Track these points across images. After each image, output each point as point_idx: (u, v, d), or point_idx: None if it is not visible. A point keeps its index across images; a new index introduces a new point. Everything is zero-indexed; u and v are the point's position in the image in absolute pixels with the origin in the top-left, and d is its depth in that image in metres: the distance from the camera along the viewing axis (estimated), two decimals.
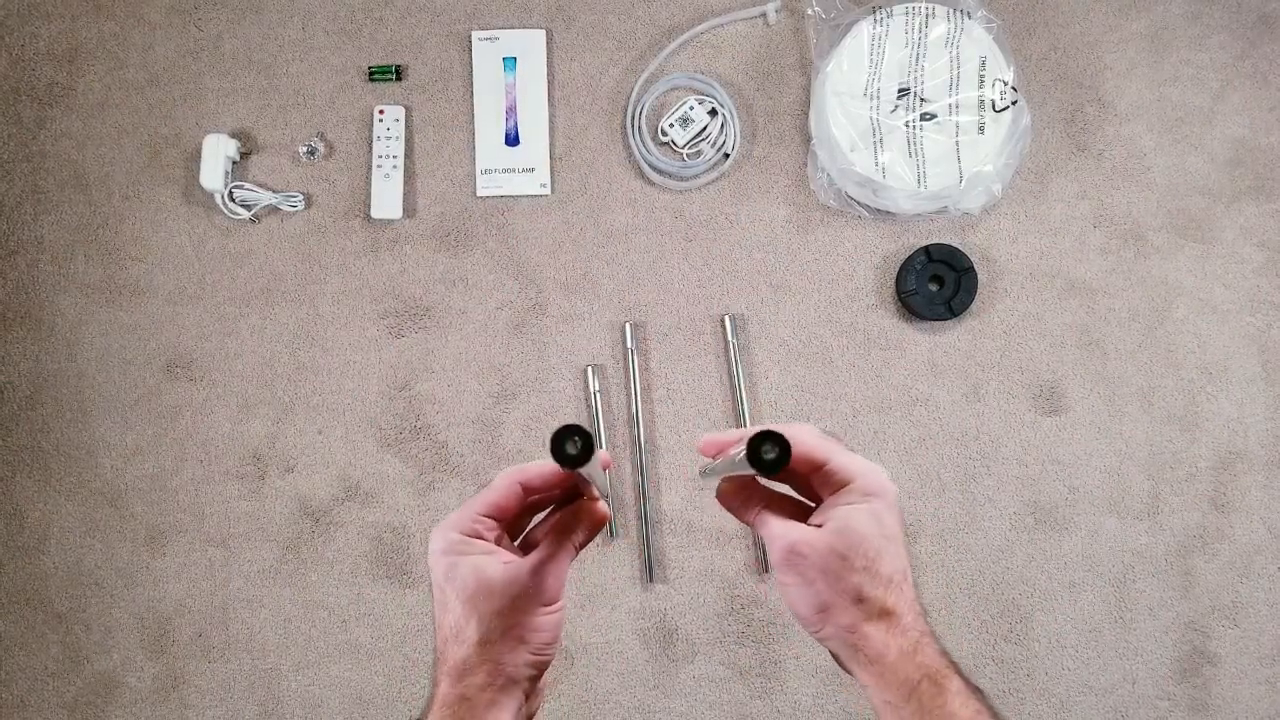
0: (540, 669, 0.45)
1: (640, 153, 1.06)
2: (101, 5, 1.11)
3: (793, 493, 0.49)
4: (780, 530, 0.45)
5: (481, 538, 0.45)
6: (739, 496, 0.49)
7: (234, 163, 1.08)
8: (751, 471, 0.39)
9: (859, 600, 0.43)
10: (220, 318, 1.08)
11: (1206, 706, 1.01)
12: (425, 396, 1.06)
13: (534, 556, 0.45)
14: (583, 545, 0.48)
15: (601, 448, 1.03)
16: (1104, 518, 1.02)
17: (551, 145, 1.08)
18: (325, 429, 1.06)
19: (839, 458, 0.45)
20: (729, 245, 1.07)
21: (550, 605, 0.45)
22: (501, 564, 0.44)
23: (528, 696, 0.45)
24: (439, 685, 0.44)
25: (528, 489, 0.47)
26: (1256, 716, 1.01)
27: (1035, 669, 1.02)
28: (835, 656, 0.46)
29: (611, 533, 1.03)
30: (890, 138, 1.01)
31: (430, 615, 0.46)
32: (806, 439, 0.45)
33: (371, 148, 1.08)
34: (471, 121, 1.08)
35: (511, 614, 0.44)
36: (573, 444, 0.37)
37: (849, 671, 0.45)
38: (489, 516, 0.46)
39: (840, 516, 0.43)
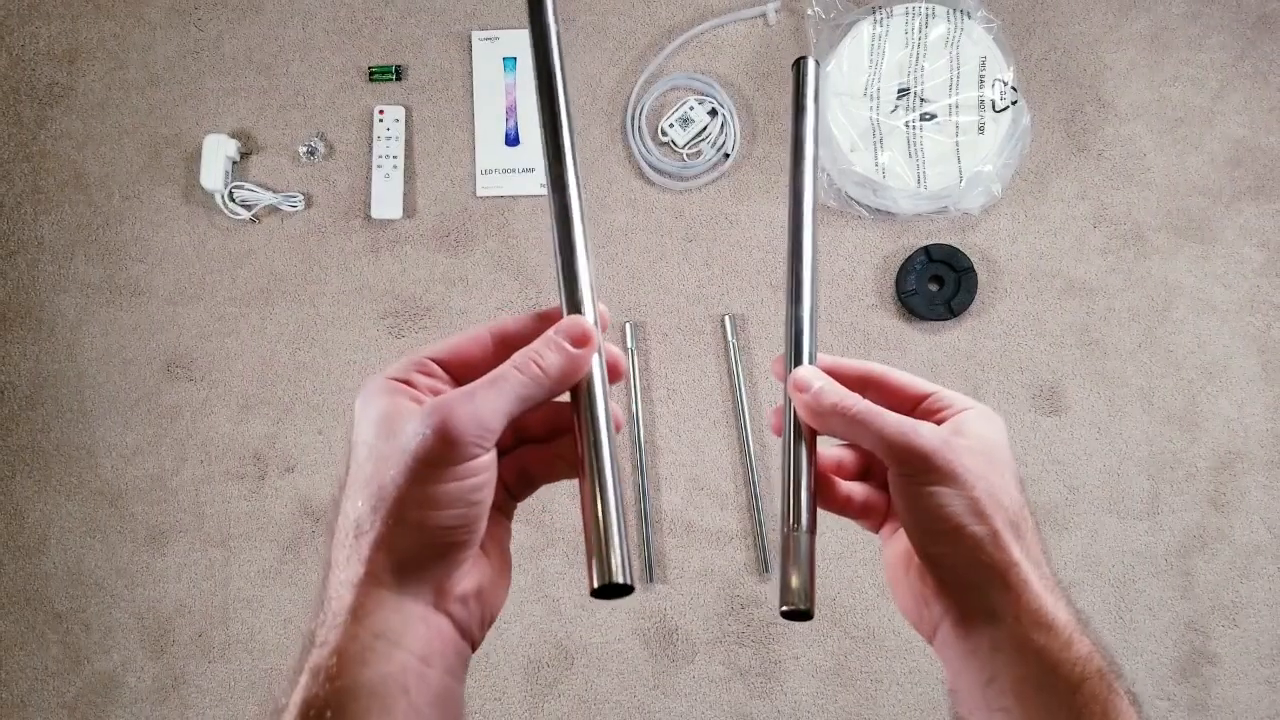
0: (449, 565, 0.33)
1: (640, 153, 1.06)
2: (102, 5, 1.11)
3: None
4: (905, 422, 0.36)
5: (414, 387, 0.34)
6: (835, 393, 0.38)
7: (234, 163, 1.08)
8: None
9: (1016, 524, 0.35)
10: (220, 318, 1.08)
11: (1206, 706, 1.01)
12: None
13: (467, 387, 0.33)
14: (554, 383, 0.34)
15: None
16: (1104, 517, 1.02)
17: None
18: (325, 429, 1.06)
19: (944, 390, 0.39)
20: (729, 245, 1.07)
21: (466, 459, 0.32)
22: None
23: (448, 613, 0.34)
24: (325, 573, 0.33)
25: (501, 339, 0.36)
26: (1257, 716, 1.01)
27: None
28: (947, 608, 0.36)
29: None
30: (890, 138, 1.01)
31: None
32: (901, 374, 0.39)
33: (371, 148, 1.08)
34: (471, 121, 1.08)
35: (415, 471, 0.32)
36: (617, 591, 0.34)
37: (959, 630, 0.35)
38: (440, 363, 0.35)
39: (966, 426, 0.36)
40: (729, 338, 1.04)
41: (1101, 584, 1.02)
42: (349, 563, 0.33)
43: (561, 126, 0.40)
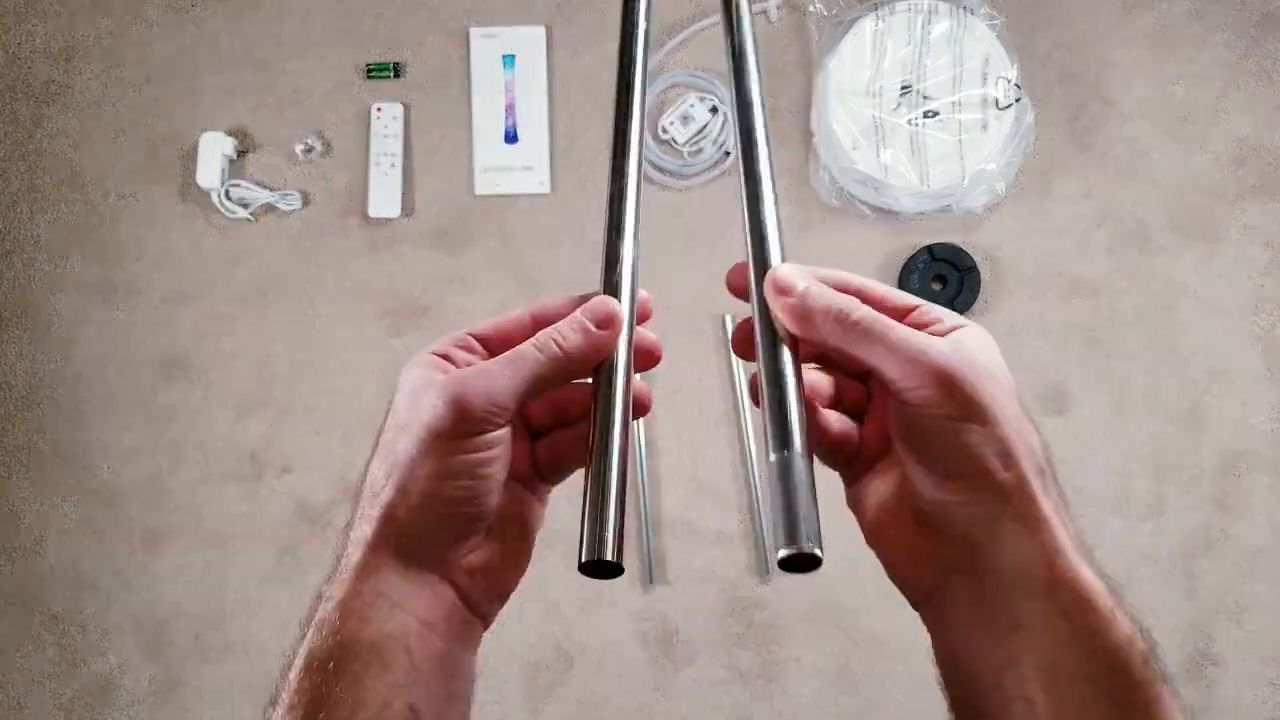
0: (454, 536, 0.33)
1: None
2: (98, 2, 1.10)
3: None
4: (918, 335, 0.30)
5: (452, 362, 0.34)
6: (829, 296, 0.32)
7: (231, 161, 1.07)
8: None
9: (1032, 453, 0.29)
10: (217, 317, 1.07)
11: (1210, 708, 1.00)
12: None
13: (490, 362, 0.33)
14: (575, 363, 0.33)
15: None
16: (1108, 518, 1.02)
17: (551, 143, 1.07)
18: (323, 430, 1.06)
19: (930, 304, 0.33)
20: (730, 244, 1.06)
21: (476, 433, 0.32)
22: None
23: (454, 583, 0.33)
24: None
25: (539, 319, 0.36)
26: (1261, 718, 1.00)
27: None
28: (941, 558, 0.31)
29: None
30: (893, 136, 1.00)
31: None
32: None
33: (369, 146, 1.07)
34: (470, 119, 1.08)
35: (426, 442, 0.32)
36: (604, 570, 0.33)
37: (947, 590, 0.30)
38: (482, 340, 0.36)
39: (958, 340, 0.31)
40: (729, 338, 1.03)
41: None
42: (361, 522, 0.33)
43: (633, 114, 0.40)
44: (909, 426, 0.31)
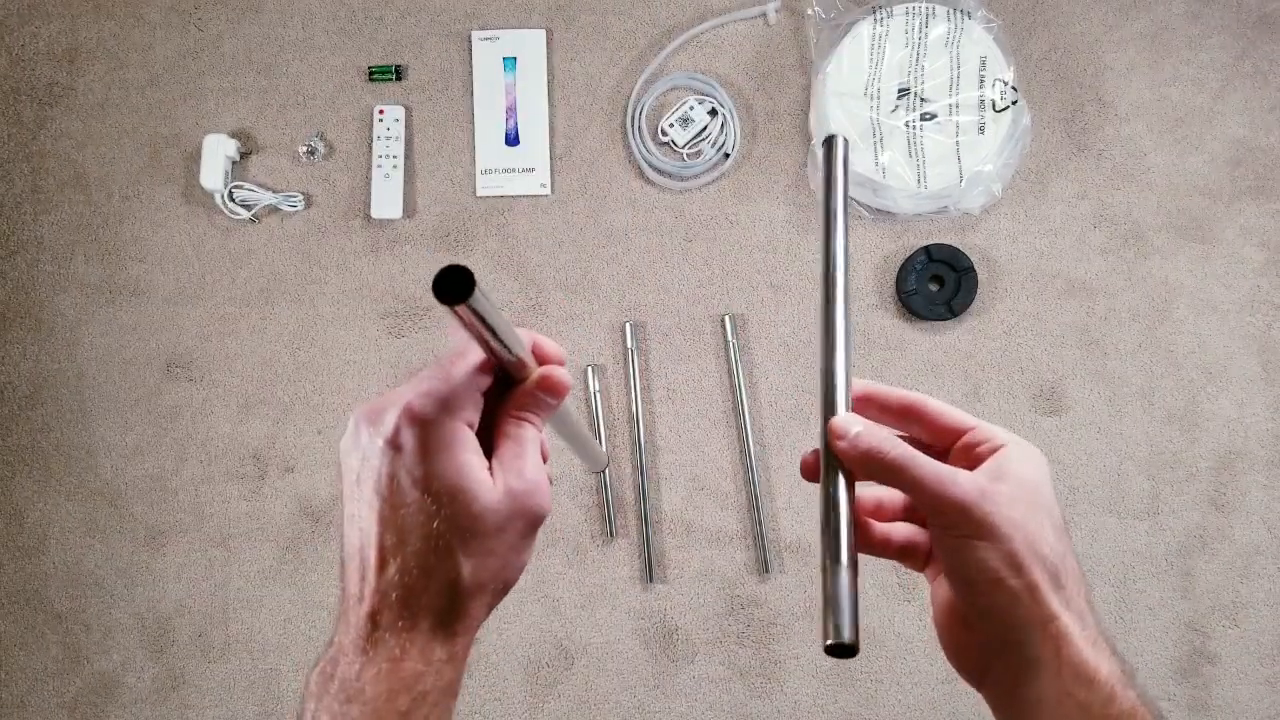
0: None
1: (640, 153, 1.06)
2: (102, 5, 1.11)
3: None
4: (943, 470, 0.35)
5: (470, 425, 0.36)
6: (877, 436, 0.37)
7: (234, 163, 1.08)
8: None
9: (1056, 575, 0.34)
10: (220, 318, 1.08)
11: (1207, 706, 1.01)
12: None
13: (517, 467, 0.36)
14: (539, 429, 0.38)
15: (600, 432, 1.03)
16: (1104, 518, 1.02)
17: (551, 145, 1.08)
18: (325, 429, 1.06)
19: (984, 424, 0.38)
20: (729, 245, 1.06)
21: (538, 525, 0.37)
22: (489, 476, 0.35)
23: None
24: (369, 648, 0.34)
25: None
26: (1257, 716, 1.01)
27: None
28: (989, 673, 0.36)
29: (611, 533, 1.03)
30: (890, 138, 1.01)
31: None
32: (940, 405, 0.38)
33: (371, 148, 1.08)
34: (471, 121, 1.08)
35: (499, 550, 0.35)
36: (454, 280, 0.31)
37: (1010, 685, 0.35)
38: (482, 394, 0.36)
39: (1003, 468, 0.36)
40: (729, 338, 1.04)
41: (1102, 584, 1.02)
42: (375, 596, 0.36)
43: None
44: (937, 544, 0.36)
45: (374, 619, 0.34)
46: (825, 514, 0.37)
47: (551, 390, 0.38)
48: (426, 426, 0.34)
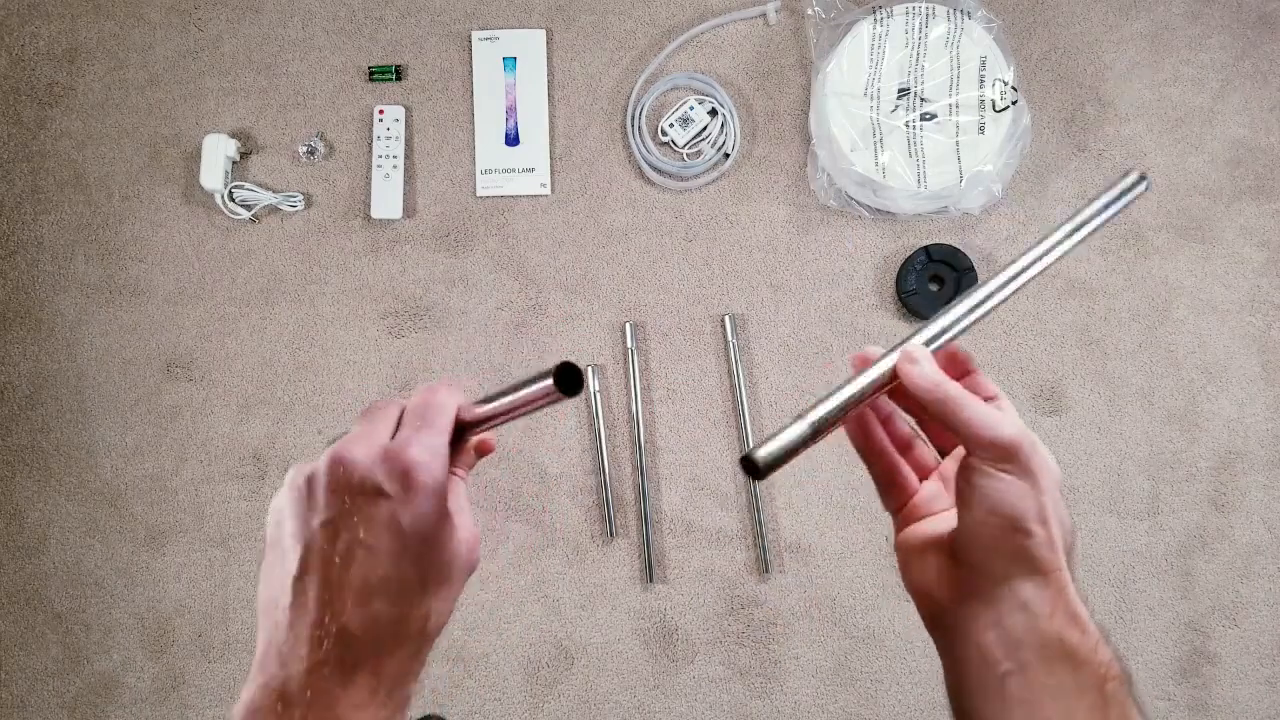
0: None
1: (640, 153, 1.06)
2: (101, 5, 1.11)
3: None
4: (995, 412, 0.38)
5: (461, 476, 0.41)
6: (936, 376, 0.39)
7: (234, 162, 1.08)
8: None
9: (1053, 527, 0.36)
10: (220, 318, 1.08)
11: (1207, 706, 1.01)
12: None
13: (465, 520, 0.39)
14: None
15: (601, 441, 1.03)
16: (1104, 517, 1.02)
17: (551, 145, 1.08)
18: (325, 429, 1.06)
19: (1007, 401, 0.41)
20: (729, 245, 1.06)
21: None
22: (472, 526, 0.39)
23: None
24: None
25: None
26: (1257, 716, 1.01)
27: None
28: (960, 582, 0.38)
29: (611, 533, 1.03)
30: (890, 138, 1.01)
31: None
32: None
33: (371, 148, 1.08)
34: (471, 121, 1.08)
35: (454, 596, 0.38)
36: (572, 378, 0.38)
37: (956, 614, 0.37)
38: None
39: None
40: (729, 338, 1.04)
41: (1101, 584, 1.02)
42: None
43: None
44: (970, 475, 0.37)
45: (321, 668, 0.34)
46: (835, 391, 0.40)
47: (487, 452, 0.44)
48: (428, 474, 0.36)
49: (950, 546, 0.39)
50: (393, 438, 0.39)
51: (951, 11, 1.00)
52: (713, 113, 1.06)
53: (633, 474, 1.04)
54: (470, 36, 1.08)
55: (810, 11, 1.05)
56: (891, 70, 1.01)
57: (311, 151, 1.08)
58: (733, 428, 1.05)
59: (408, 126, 1.08)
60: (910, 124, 1.01)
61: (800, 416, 0.39)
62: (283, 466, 1.06)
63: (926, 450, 0.45)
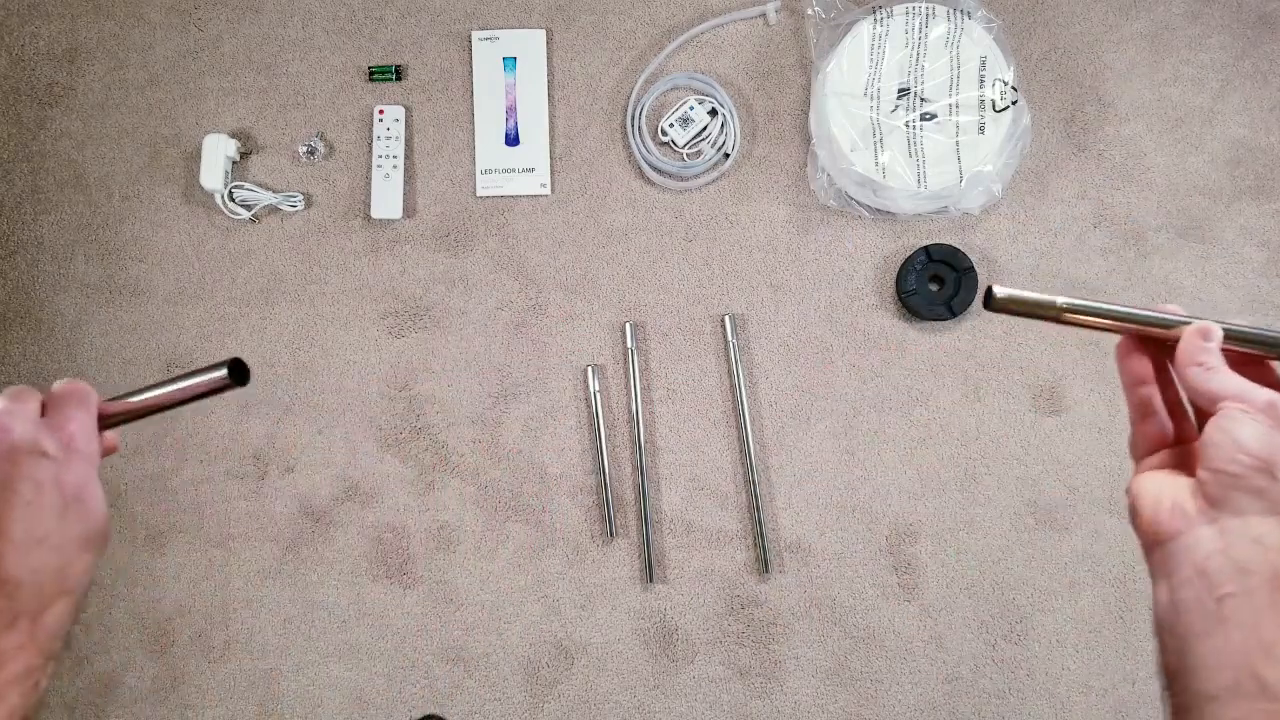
0: None
1: (640, 153, 1.06)
2: (101, 5, 1.11)
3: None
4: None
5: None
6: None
7: (234, 163, 1.08)
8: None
9: None
10: (220, 318, 1.08)
11: None
12: (425, 396, 1.06)
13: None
14: None
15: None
16: (1104, 518, 1.02)
17: (551, 145, 1.08)
18: (325, 429, 1.06)
19: None
20: (729, 245, 1.06)
21: None
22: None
23: None
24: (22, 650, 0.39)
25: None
26: None
27: (1035, 669, 1.02)
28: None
29: (611, 533, 1.03)
30: (890, 138, 1.01)
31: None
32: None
33: (371, 148, 1.08)
34: (471, 121, 1.08)
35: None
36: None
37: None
38: None
39: None
40: (729, 338, 1.04)
41: (1101, 584, 1.02)
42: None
43: None
44: (1227, 416, 0.40)
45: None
46: (1108, 302, 0.45)
47: (111, 450, 0.49)
48: (86, 443, 0.43)
49: (1190, 485, 0.42)
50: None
51: (951, 11, 1.00)
52: (713, 113, 1.06)
53: (633, 474, 1.04)
54: (470, 36, 1.09)
55: (810, 11, 1.05)
56: (891, 70, 1.01)
57: (311, 151, 1.08)
58: (733, 428, 1.05)
59: (408, 126, 1.08)
60: (910, 124, 1.01)
61: (1068, 298, 0.44)
62: (283, 467, 1.06)
63: (1189, 425, 0.47)
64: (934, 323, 1.04)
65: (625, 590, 1.04)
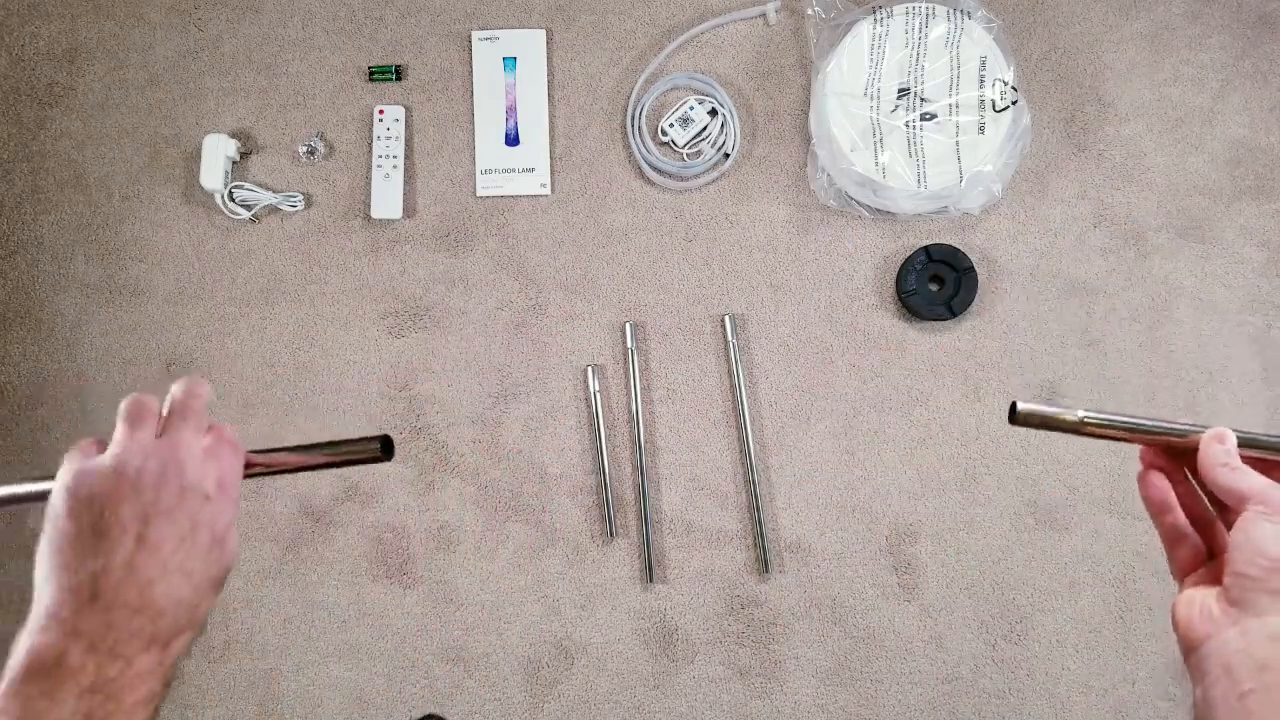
0: None
1: (640, 153, 1.06)
2: (101, 5, 1.11)
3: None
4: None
5: None
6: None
7: (234, 162, 1.08)
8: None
9: None
10: (220, 318, 1.08)
11: None
12: (425, 396, 1.06)
13: None
14: None
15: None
16: (1104, 518, 1.02)
17: (551, 145, 1.08)
18: (325, 429, 1.06)
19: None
20: (729, 245, 1.06)
21: None
22: None
23: None
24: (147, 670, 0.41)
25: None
26: None
27: (1035, 669, 1.02)
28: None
29: (611, 533, 1.03)
30: (890, 138, 1.01)
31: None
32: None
33: (371, 148, 1.08)
34: (471, 121, 1.08)
35: None
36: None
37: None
38: None
39: None
40: (729, 338, 1.04)
41: (1101, 584, 1.02)
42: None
43: None
44: (1248, 520, 0.43)
45: (132, 640, 0.41)
46: (1128, 414, 0.48)
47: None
48: (236, 490, 0.47)
49: (1218, 591, 0.44)
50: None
51: (951, 11, 1.00)
52: (713, 113, 1.06)
53: (633, 474, 1.04)
54: (470, 36, 1.09)
55: (810, 11, 1.05)
56: (891, 70, 1.01)
57: (311, 151, 1.08)
58: (733, 428, 1.05)
59: (408, 126, 1.08)
60: (910, 124, 1.01)
61: (1086, 414, 0.46)
62: None
63: (1219, 532, 0.49)
64: (934, 323, 1.04)
65: (625, 590, 1.04)
